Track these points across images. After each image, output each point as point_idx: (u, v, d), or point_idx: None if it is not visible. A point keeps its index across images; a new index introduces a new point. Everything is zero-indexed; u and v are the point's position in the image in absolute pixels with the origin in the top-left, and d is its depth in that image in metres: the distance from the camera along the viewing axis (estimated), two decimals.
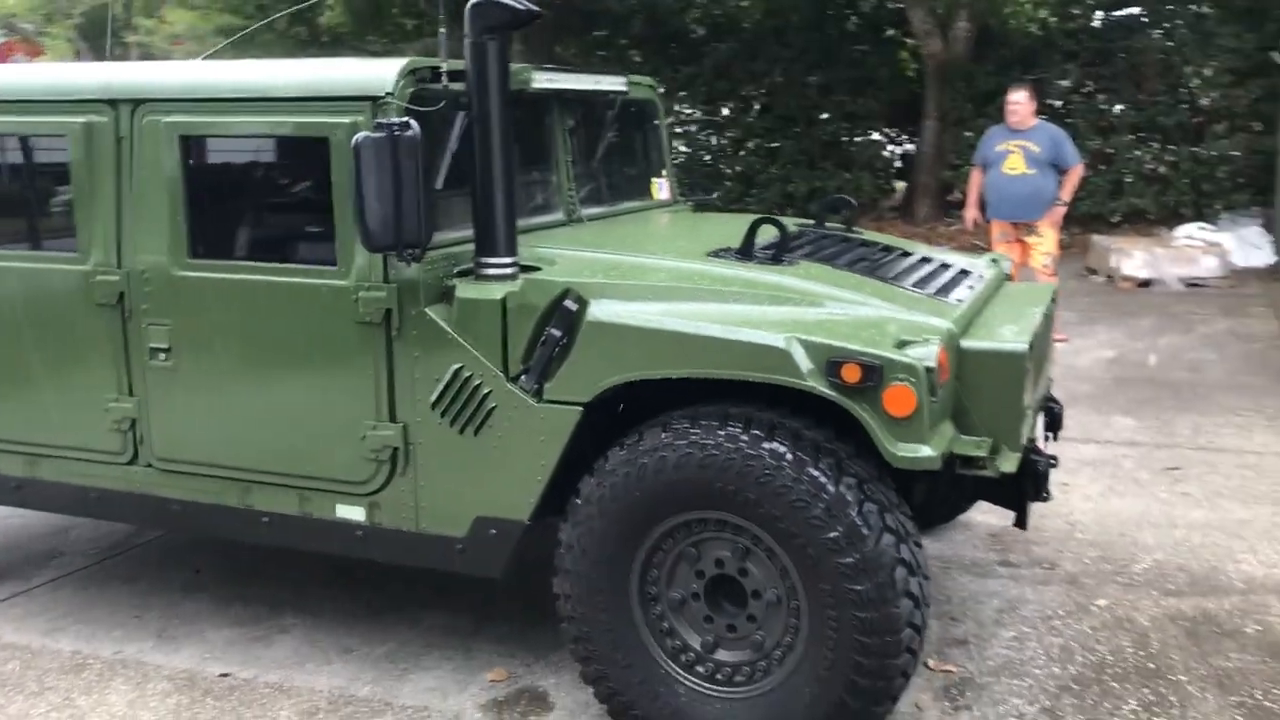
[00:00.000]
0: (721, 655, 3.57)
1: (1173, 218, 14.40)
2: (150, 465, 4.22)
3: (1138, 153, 14.73)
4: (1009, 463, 3.52)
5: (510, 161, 3.71)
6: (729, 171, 17.12)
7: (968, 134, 15.05)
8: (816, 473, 3.27)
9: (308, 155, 3.91)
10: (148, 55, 30.53)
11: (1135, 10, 15.50)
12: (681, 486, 3.42)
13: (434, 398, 3.75)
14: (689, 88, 17.05)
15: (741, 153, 17.08)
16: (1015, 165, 8.49)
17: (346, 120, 3.70)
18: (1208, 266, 12.25)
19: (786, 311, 3.56)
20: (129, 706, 4.11)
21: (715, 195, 14.04)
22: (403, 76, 3.72)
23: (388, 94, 3.68)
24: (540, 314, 3.64)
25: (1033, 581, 4.89)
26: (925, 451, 3.27)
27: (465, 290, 3.71)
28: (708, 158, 17.33)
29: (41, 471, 4.42)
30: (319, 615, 4.76)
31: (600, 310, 3.55)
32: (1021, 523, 4.05)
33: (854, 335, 3.38)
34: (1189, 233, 13.42)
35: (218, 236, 4.07)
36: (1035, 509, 4.22)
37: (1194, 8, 14.78)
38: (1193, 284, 12.00)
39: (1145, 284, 12.04)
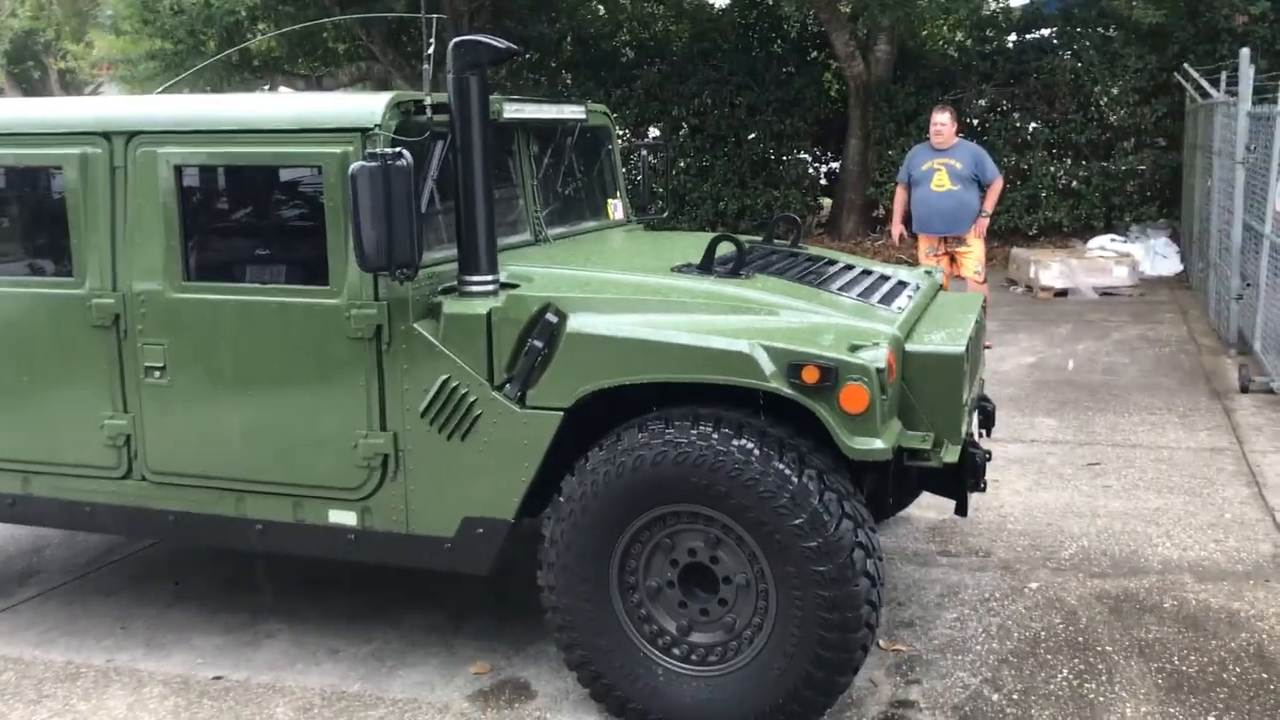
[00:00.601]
0: (696, 637, 3.89)
1: (1085, 230, 15.09)
2: (144, 479, 4.43)
3: (1052, 169, 15.40)
4: (951, 454, 3.89)
5: (490, 187, 4.02)
6: (660, 190, 17.52)
7: (890, 152, 15.62)
8: (781, 465, 3.61)
9: (300, 183, 4.18)
10: (72, 80, 30.33)
11: (1045, 32, 16.23)
12: (658, 482, 3.74)
13: (423, 407, 4.03)
14: (620, 110, 17.42)
15: (673, 172, 17.49)
16: (942, 182, 8.95)
17: (338, 150, 3.98)
18: (1119, 276, 12.88)
19: (747, 320, 3.90)
20: (128, 709, 4.32)
21: (665, 214, 14.64)
22: (389, 109, 4.01)
23: (376, 126, 3.97)
24: (522, 327, 3.94)
25: (970, 569, 5.28)
26: (878, 444, 3.63)
27: (451, 306, 4.00)
28: (639, 178, 17.69)
29: (35, 488, 4.61)
30: (303, 620, 4.99)
31: (578, 322, 3.87)
32: (962, 510, 4.42)
33: (810, 340, 3.73)
34: (1101, 244, 14.09)
35: (212, 260, 4.31)
36: (972, 500, 4.60)
37: (1101, 31, 15.50)
38: (1106, 292, 12.63)
39: (1062, 293, 12.63)
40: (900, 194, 9.46)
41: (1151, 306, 11.96)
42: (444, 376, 3.99)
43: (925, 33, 17.00)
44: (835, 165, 17.83)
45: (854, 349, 3.71)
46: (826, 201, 17.74)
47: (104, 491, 4.50)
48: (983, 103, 15.70)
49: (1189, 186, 13.75)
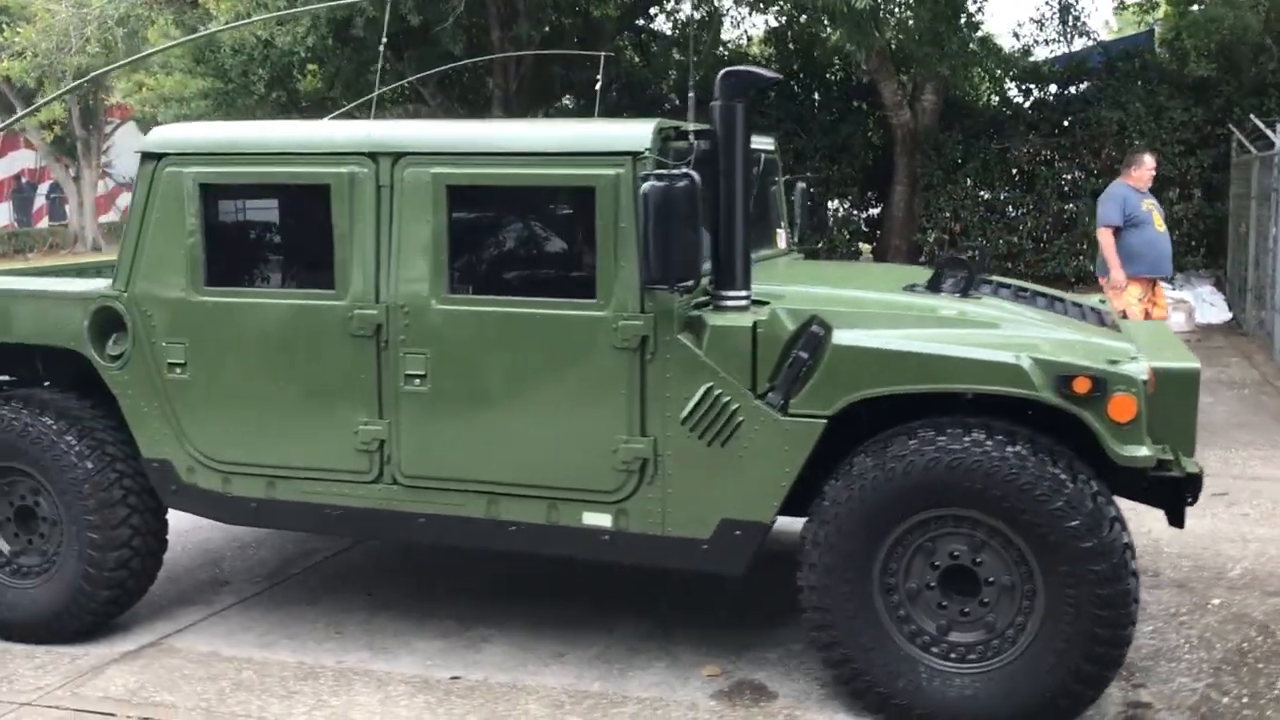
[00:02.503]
0: (955, 637, 4.09)
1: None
2: (395, 482, 4.62)
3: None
4: (1193, 466, 4.13)
5: (748, 209, 4.26)
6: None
7: (940, 199, 16.03)
8: (1056, 470, 3.84)
9: (569, 203, 4.43)
10: (91, 120, 30.58)
11: (1084, 85, 16.67)
12: (929, 487, 3.96)
13: (684, 414, 4.24)
14: None
15: None
16: (1159, 223, 8.92)
17: (611, 172, 4.22)
18: (1177, 322, 13.18)
19: (1002, 335, 4.15)
20: (381, 704, 4.48)
21: (819, 244, 14.96)
22: (655, 134, 4.26)
23: (646, 149, 4.22)
24: (787, 339, 4.17)
25: (1146, 586, 5.48)
26: (1144, 452, 3.87)
27: (716, 319, 4.23)
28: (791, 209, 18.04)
29: (280, 492, 4.79)
30: (512, 627, 5.16)
31: (844, 335, 4.10)
32: (1180, 523, 4.63)
33: (1073, 353, 3.97)
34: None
35: (476, 274, 4.54)
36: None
37: (1142, 84, 15.92)
38: None
39: None
40: (1109, 238, 8.86)
41: (1213, 351, 12.24)
42: (707, 385, 4.21)
43: (968, 84, 17.43)
44: (873, 211, 18.17)
45: (1113, 363, 3.94)
46: (865, 247, 18.07)
47: (353, 495, 4.69)
48: (1027, 150, 16.09)
49: (1237, 235, 14.11)
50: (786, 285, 4.56)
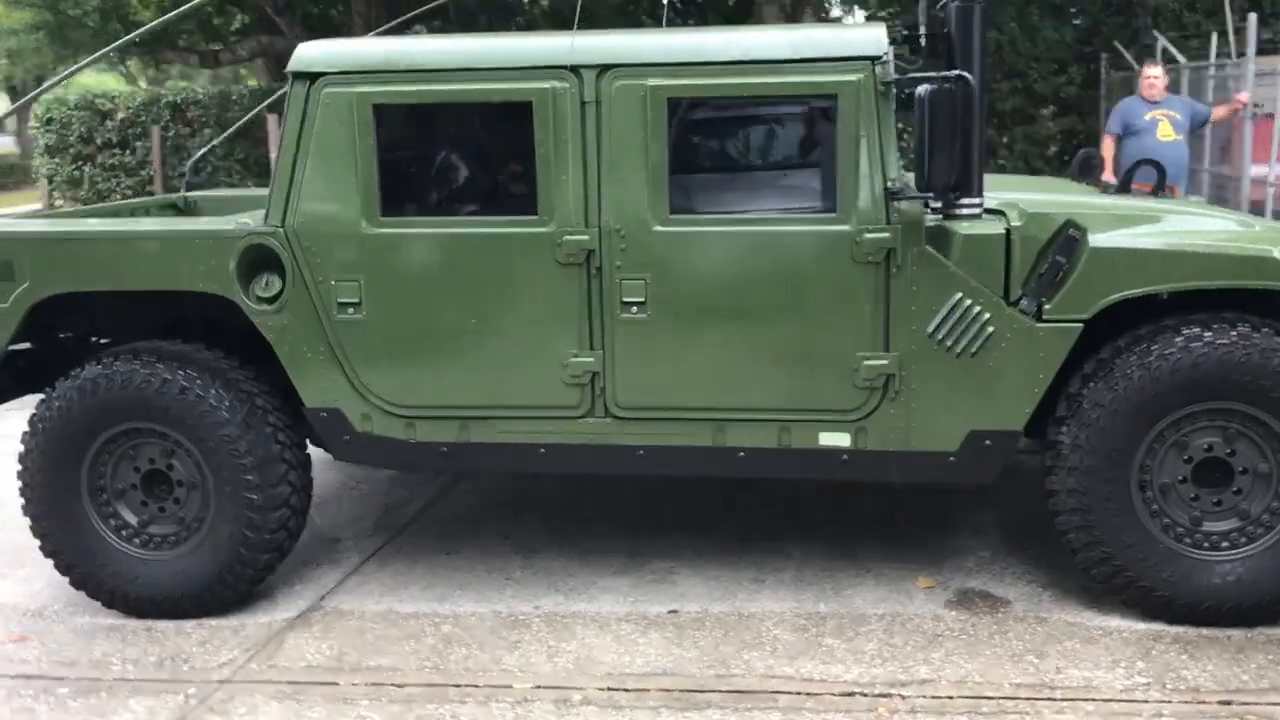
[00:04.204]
0: (1209, 526, 4.20)
1: None
2: (610, 415, 4.40)
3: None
4: None
5: (984, 115, 4.20)
6: None
7: None
8: None
9: (803, 111, 4.26)
10: None
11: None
12: (1195, 383, 4.04)
13: (931, 326, 4.18)
14: None
15: None
16: (1167, 133, 8.98)
17: (852, 78, 4.08)
18: None
19: (1232, 230, 4.25)
20: (618, 642, 4.31)
21: None
22: (884, 39, 4.15)
23: (884, 54, 4.09)
24: (1041, 244, 4.15)
25: None
26: None
27: (966, 227, 4.17)
28: None
29: (474, 434, 4.49)
30: (682, 558, 5.02)
31: (1100, 238, 4.11)
32: None
33: None
34: None
35: (702, 192, 4.32)
36: None
37: (1014, 6, 16.46)
38: None
39: None
40: (1110, 145, 9.23)
41: None
42: (956, 295, 4.16)
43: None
44: None
45: None
46: None
47: (560, 432, 4.44)
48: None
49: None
50: (1007, 193, 4.52)
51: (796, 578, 4.80)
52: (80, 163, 14.15)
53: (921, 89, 3.86)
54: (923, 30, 4.24)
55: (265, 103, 8.23)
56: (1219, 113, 9.96)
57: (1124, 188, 4.69)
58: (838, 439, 4.33)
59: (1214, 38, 12.14)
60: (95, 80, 28.75)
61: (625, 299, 4.29)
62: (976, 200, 4.23)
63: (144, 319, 4.86)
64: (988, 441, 4.25)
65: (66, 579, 4.72)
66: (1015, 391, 4.19)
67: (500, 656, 4.25)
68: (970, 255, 4.16)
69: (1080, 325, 4.12)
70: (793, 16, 16.67)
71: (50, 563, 4.75)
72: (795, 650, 4.20)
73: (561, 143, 4.24)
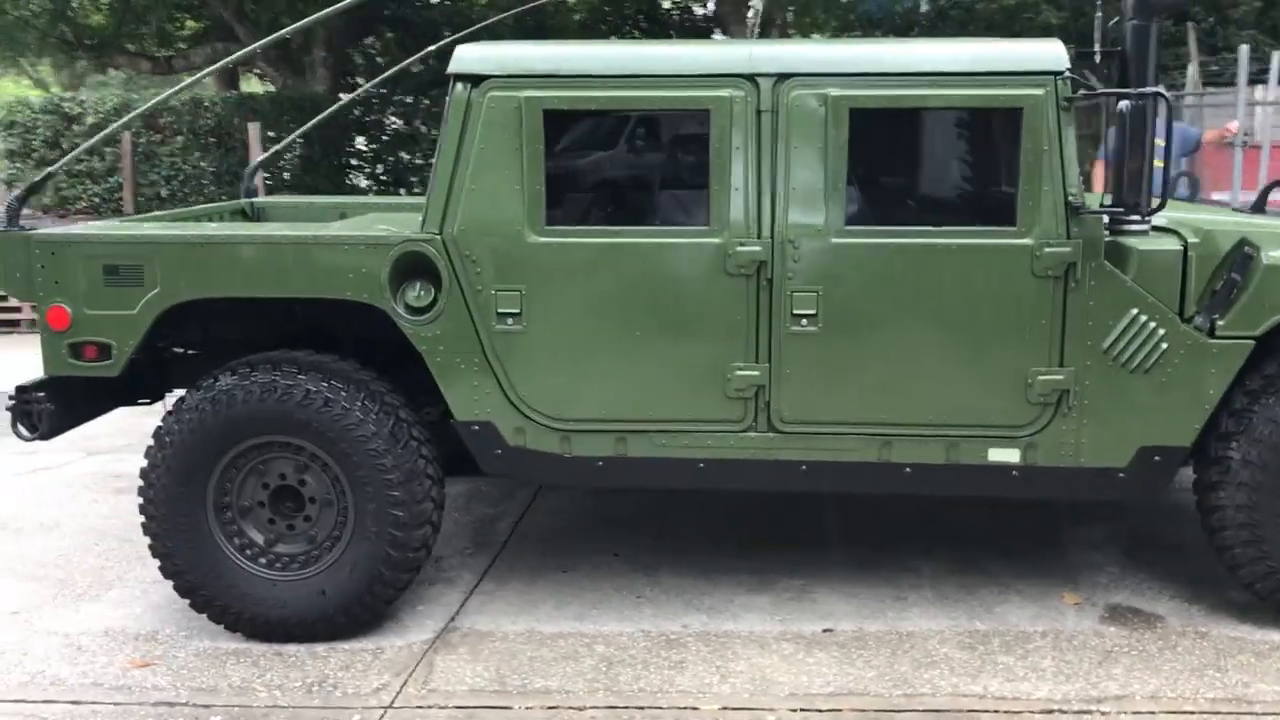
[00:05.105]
0: None
1: None
2: (773, 429, 4.32)
3: None
4: None
5: (1154, 132, 4.24)
6: None
7: None
8: None
9: (985, 125, 4.24)
10: None
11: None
12: None
13: (1107, 342, 4.18)
14: None
15: None
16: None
17: (1038, 92, 4.08)
18: None
19: None
20: (785, 661, 4.23)
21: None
22: (1065, 54, 4.15)
23: (1067, 69, 4.10)
24: (1217, 262, 4.19)
25: None
26: None
27: (1143, 243, 4.19)
28: None
29: (631, 448, 4.37)
30: (807, 575, 4.97)
31: (1274, 255, 4.15)
32: None
33: None
34: None
35: (877, 203, 4.27)
36: None
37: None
38: None
39: None
40: (1101, 167, 9.26)
41: None
42: (1133, 311, 4.17)
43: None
44: None
45: None
46: None
47: (722, 446, 4.34)
48: None
49: None
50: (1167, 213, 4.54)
51: (939, 595, 4.76)
52: (45, 168, 13.60)
53: (1123, 104, 3.86)
54: (1098, 48, 4.26)
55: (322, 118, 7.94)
56: (1209, 137, 10.26)
57: (1260, 206, 4.77)
58: (1007, 455, 4.30)
59: (1191, 69, 12.51)
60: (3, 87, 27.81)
61: (796, 311, 4.22)
62: (1146, 218, 4.25)
63: (255, 330, 4.66)
64: (1157, 457, 4.26)
65: (187, 601, 4.48)
66: (1186, 407, 4.21)
67: (671, 677, 4.14)
68: (1148, 271, 4.17)
69: (1252, 342, 4.16)
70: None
71: (142, 583, 4.54)
72: (972, 668, 4.16)
73: (737, 152, 4.16)
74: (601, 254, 4.24)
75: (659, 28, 18.93)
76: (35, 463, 7.04)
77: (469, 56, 4.26)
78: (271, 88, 17.16)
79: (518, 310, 4.27)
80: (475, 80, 4.22)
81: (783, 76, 4.16)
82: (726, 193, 4.18)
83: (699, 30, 18.30)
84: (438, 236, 4.25)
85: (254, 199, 6.22)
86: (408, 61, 7.15)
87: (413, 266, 4.28)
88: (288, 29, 5.02)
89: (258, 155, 12.60)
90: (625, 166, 4.50)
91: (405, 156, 18.13)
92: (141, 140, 13.60)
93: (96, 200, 13.63)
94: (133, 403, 5.02)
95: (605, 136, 4.42)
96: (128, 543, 5.57)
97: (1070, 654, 4.25)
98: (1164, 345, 4.18)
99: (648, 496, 5.91)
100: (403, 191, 17.34)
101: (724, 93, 4.15)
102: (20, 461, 7.03)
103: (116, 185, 13.53)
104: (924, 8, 17.34)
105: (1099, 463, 4.28)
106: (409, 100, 18.32)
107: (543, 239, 4.23)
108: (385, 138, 18.77)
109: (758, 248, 4.18)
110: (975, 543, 5.29)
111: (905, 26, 17.30)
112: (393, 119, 18.22)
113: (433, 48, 6.39)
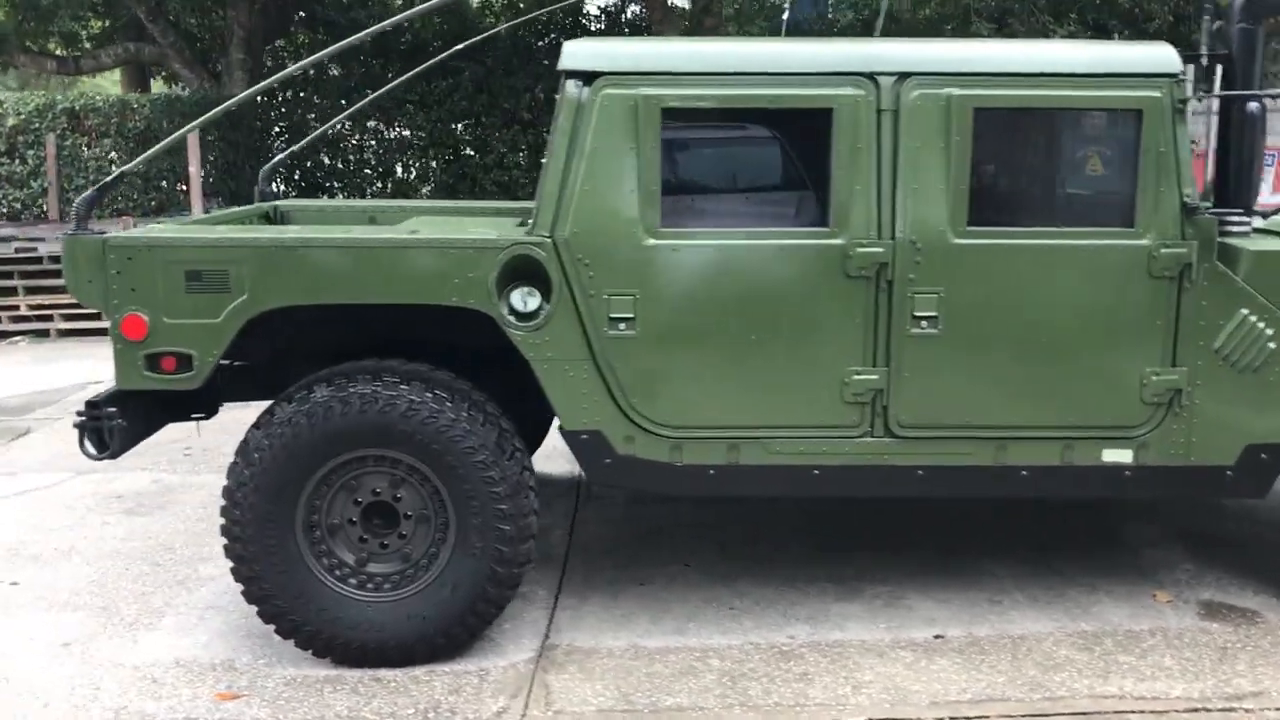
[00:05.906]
0: None
1: None
2: (889, 434, 4.25)
3: None
4: None
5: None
6: None
7: None
8: None
9: (1103, 126, 4.24)
10: None
11: None
12: None
13: (1219, 342, 4.22)
14: (446, 102, 16.92)
15: None
16: None
17: (1157, 94, 4.10)
18: None
19: None
20: (910, 669, 4.16)
21: None
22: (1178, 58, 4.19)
23: (1181, 72, 4.13)
24: None
25: None
26: None
27: (1256, 244, 4.24)
28: None
29: (744, 456, 4.26)
30: (886, 580, 4.92)
31: None
32: None
33: None
34: None
35: (1001, 204, 4.24)
36: None
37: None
38: None
39: None
40: None
41: None
42: (1243, 311, 4.21)
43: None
44: None
45: None
46: None
47: (837, 452, 4.26)
48: None
49: None
50: None
51: (1029, 597, 4.76)
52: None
53: (1253, 105, 3.90)
54: (1204, 51, 4.29)
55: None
56: None
57: None
58: (1120, 455, 4.31)
59: None
60: None
61: (916, 313, 4.16)
62: (1248, 218, 4.31)
63: (318, 340, 4.44)
64: (1264, 455, 4.31)
65: (273, 627, 4.23)
66: None
67: (802, 690, 4.04)
68: (1259, 272, 4.22)
69: None
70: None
71: (196, 610, 4.30)
72: (1099, 669, 4.15)
73: (857, 152, 4.09)
74: (718, 256, 4.12)
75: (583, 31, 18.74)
76: (21, 484, 6.61)
77: (581, 52, 4.11)
78: (182, 91, 16.50)
79: (631, 315, 4.12)
80: (587, 77, 4.07)
81: (904, 75, 4.10)
82: (847, 193, 4.11)
83: (636, 29, 18.16)
84: (549, 239, 4.09)
85: (277, 202, 5.92)
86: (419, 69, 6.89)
87: (521, 271, 4.11)
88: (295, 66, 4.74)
89: (195, 162, 12.12)
90: (742, 166, 4.39)
91: (326, 161, 17.61)
92: (67, 143, 12.97)
93: (18, 206, 12.94)
94: (185, 418, 4.74)
95: (722, 135, 4.30)
96: (158, 567, 5.27)
97: (1188, 651, 4.27)
98: (1273, 345, 4.23)
99: (691, 503, 5.79)
100: (340, 196, 16.85)
101: (846, 91, 4.08)
102: (3, 483, 6.60)
103: (41, 190, 12.88)
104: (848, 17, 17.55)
105: (1208, 461, 4.32)
106: (328, 104, 17.82)
107: (659, 241, 4.09)
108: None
109: (879, 249, 4.12)
110: (1027, 543, 5.30)
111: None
112: (314, 123, 17.69)
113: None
